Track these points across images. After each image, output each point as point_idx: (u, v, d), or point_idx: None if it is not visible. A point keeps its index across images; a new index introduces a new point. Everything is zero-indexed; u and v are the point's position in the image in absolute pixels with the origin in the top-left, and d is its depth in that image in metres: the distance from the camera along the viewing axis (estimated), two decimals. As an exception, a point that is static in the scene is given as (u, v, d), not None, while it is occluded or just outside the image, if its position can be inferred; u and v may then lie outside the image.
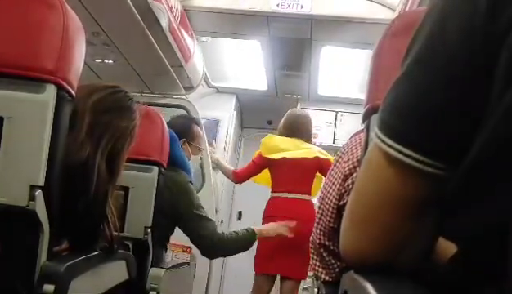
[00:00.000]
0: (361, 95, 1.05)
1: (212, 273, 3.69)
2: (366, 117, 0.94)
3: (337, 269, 1.53)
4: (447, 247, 0.52)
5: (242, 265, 3.82)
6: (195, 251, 2.30)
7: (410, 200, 0.51)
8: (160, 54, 3.11)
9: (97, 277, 1.27)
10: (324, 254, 1.56)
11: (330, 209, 1.54)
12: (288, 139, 3.15)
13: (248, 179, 3.37)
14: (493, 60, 0.42)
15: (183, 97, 3.79)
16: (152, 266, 1.83)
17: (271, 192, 3.15)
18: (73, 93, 1.13)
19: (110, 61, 3.21)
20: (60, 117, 1.08)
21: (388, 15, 3.26)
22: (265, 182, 3.25)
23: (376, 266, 0.54)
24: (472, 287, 0.47)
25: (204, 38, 3.99)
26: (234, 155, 5.07)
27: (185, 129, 2.34)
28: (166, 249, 2.13)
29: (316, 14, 3.38)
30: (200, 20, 3.56)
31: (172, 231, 2.16)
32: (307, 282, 3.74)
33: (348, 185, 1.50)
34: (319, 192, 3.37)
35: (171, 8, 3.00)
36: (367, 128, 0.94)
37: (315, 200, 3.79)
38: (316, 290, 1.61)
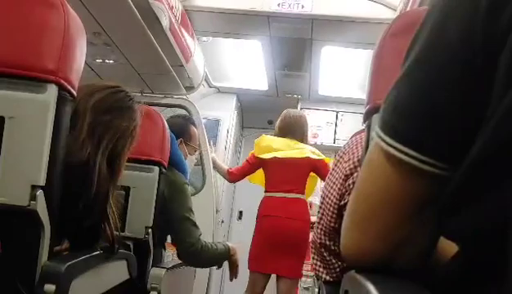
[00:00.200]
0: (362, 94, 1.05)
1: (213, 273, 3.69)
2: (367, 116, 0.94)
3: (338, 269, 1.53)
4: (448, 247, 0.52)
5: (243, 265, 3.82)
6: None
7: (411, 199, 0.51)
8: (161, 54, 3.11)
9: (98, 277, 1.27)
10: (325, 254, 1.56)
11: (331, 209, 1.54)
12: (281, 139, 3.18)
13: (242, 178, 3.41)
14: (494, 60, 0.42)
15: (184, 97, 3.79)
16: (152, 266, 1.84)
17: (265, 191, 3.19)
18: (74, 93, 1.13)
19: (111, 61, 3.22)
20: (61, 116, 1.09)
21: (388, 14, 3.26)
22: (260, 182, 3.29)
23: (377, 266, 0.54)
24: (472, 286, 0.47)
25: (204, 38, 3.99)
26: (235, 155, 5.08)
27: (182, 129, 2.34)
28: (165, 248, 2.13)
29: (316, 14, 3.38)
30: (201, 19, 3.56)
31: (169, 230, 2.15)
32: (308, 282, 3.75)
33: (348, 185, 1.50)
34: (313, 192, 3.41)
35: (171, 8, 3.00)
36: (368, 128, 0.94)
37: (314, 200, 3.81)
38: (316, 290, 1.61)
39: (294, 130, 3.19)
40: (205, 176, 3.55)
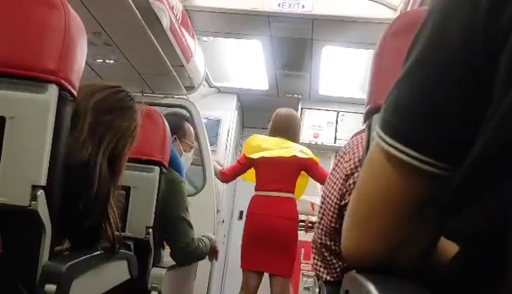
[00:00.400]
0: (363, 94, 1.05)
1: (213, 272, 3.69)
2: (368, 116, 0.94)
3: (338, 269, 1.53)
4: (449, 247, 0.52)
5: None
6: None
7: (411, 199, 0.52)
8: (161, 54, 3.11)
9: (99, 277, 1.27)
10: (325, 254, 1.56)
11: (332, 209, 1.54)
12: (271, 138, 3.22)
13: (234, 178, 3.46)
14: (494, 60, 0.42)
15: (184, 97, 3.80)
16: (153, 266, 1.84)
17: (255, 190, 3.21)
18: (74, 93, 1.13)
19: (112, 61, 3.22)
20: (62, 117, 1.09)
21: (389, 14, 3.25)
22: (253, 179, 3.31)
23: (377, 266, 0.54)
24: (472, 286, 0.47)
25: (205, 38, 3.99)
26: (235, 155, 5.07)
27: (175, 126, 2.32)
28: (163, 247, 2.13)
29: (317, 14, 3.38)
30: (201, 19, 3.56)
31: None
32: (309, 281, 3.75)
33: (349, 185, 1.50)
34: (304, 192, 3.41)
35: (172, 8, 3.00)
36: (369, 128, 0.94)
37: (315, 200, 3.81)
38: (317, 290, 1.61)
39: (285, 129, 3.21)
40: (206, 176, 3.55)
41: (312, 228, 3.81)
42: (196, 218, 2.19)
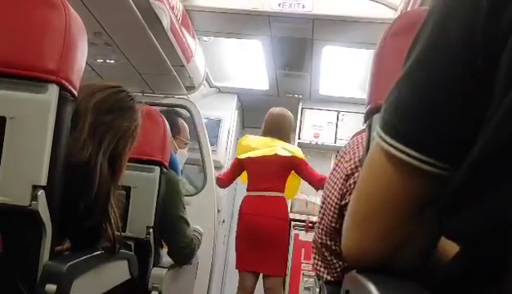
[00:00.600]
0: (363, 94, 1.05)
1: (214, 272, 3.69)
2: (368, 116, 0.94)
3: (339, 269, 1.53)
4: (449, 247, 0.52)
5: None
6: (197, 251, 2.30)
7: (411, 199, 0.52)
8: (162, 54, 3.11)
9: (99, 276, 1.27)
10: (326, 254, 1.56)
11: (332, 209, 1.54)
12: (261, 138, 3.25)
13: (231, 182, 3.46)
14: (494, 60, 0.42)
15: (185, 97, 3.79)
16: (153, 266, 1.84)
17: (246, 191, 3.25)
18: (75, 93, 1.13)
19: (112, 61, 3.22)
20: (63, 117, 1.09)
21: (389, 14, 3.25)
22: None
23: (378, 266, 0.54)
24: (473, 286, 0.47)
25: (205, 38, 3.99)
26: (235, 155, 5.07)
27: (170, 123, 2.32)
28: (162, 246, 2.13)
29: (317, 13, 3.38)
30: (202, 19, 3.56)
31: None
32: (309, 281, 3.75)
33: (349, 185, 1.50)
34: (296, 192, 3.42)
35: (172, 8, 3.00)
36: (369, 128, 0.94)
37: (316, 200, 3.80)
38: (318, 290, 1.61)
39: (276, 129, 3.24)
40: (206, 176, 3.55)
41: (312, 228, 3.81)
42: (196, 218, 2.19)
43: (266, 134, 3.25)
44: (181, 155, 2.40)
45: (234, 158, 3.41)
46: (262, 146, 3.18)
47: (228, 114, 4.84)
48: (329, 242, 1.55)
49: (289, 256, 4.03)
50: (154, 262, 1.86)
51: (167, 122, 1.92)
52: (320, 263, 1.59)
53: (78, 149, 1.18)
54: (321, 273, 1.57)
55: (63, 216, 1.10)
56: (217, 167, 4.32)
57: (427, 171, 0.49)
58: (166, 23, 2.88)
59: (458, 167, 0.46)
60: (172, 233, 2.01)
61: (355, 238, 0.56)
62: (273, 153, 3.11)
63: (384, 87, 0.57)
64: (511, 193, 0.41)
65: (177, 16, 3.12)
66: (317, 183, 3.11)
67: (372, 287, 0.49)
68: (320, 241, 1.58)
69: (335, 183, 1.57)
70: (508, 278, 0.40)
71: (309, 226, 3.95)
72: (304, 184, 3.34)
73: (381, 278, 0.52)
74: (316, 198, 4.08)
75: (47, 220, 1.04)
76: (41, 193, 1.02)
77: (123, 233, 1.46)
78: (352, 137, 1.64)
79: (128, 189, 1.72)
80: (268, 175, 3.14)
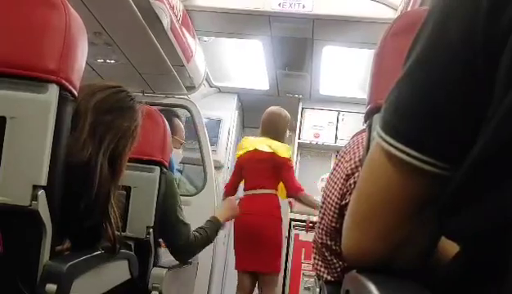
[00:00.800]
0: (363, 94, 1.05)
1: (214, 272, 3.69)
2: (368, 116, 0.94)
3: (339, 269, 1.53)
4: (449, 247, 0.52)
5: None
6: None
7: (411, 199, 0.52)
8: (162, 53, 3.11)
9: (99, 276, 1.27)
10: (326, 253, 1.56)
11: (332, 208, 1.54)
12: (256, 138, 3.29)
13: (236, 186, 3.41)
14: (494, 60, 0.42)
15: (185, 97, 3.79)
16: (154, 266, 1.84)
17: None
18: (75, 93, 1.13)
19: (112, 61, 3.22)
20: (63, 117, 1.09)
21: (389, 14, 3.25)
22: None
23: (378, 266, 0.54)
24: (473, 286, 0.47)
25: (205, 38, 3.99)
26: (236, 155, 5.07)
27: None
28: (160, 245, 2.13)
29: (317, 13, 3.38)
30: (202, 19, 3.56)
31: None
32: (310, 281, 3.75)
33: (350, 185, 1.50)
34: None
35: (172, 8, 3.00)
36: (369, 128, 0.94)
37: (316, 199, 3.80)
38: (318, 289, 1.61)
39: (269, 128, 3.27)
40: (206, 176, 3.55)
41: (312, 228, 3.81)
42: (196, 218, 2.19)
43: (263, 134, 3.28)
44: (177, 155, 2.40)
45: (235, 160, 3.44)
46: (250, 146, 3.23)
47: (228, 114, 4.84)
48: (329, 242, 1.55)
49: (290, 256, 4.03)
50: (154, 262, 1.86)
51: (167, 122, 1.92)
52: (320, 263, 1.59)
53: (78, 148, 1.18)
54: (321, 273, 1.57)
55: (63, 216, 1.10)
56: (217, 167, 4.32)
57: (427, 171, 0.49)
58: (166, 23, 2.88)
59: (458, 166, 0.46)
60: (170, 236, 2.01)
61: (355, 237, 0.56)
62: (253, 148, 3.18)
63: (384, 87, 0.57)
64: (511, 193, 0.41)
65: (177, 16, 3.12)
66: (293, 191, 3.13)
67: (372, 287, 0.49)
68: (320, 241, 1.58)
69: (335, 183, 1.57)
70: (508, 278, 0.40)
71: (309, 226, 3.95)
72: (304, 185, 3.34)
73: (381, 278, 0.52)
74: (316, 198, 4.08)
75: (47, 220, 1.04)
76: (41, 193, 1.02)
77: (123, 233, 1.46)
78: (353, 137, 1.64)
79: (128, 189, 1.72)
80: (258, 173, 3.19)
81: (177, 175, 3.05)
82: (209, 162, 3.55)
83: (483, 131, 0.44)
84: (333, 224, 1.54)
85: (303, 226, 4.04)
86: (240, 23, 3.58)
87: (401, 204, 0.52)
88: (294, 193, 3.16)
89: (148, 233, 1.77)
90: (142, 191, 1.78)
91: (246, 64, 4.66)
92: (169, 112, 2.57)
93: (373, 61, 0.98)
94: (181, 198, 2.07)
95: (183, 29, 3.29)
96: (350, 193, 1.48)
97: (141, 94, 3.53)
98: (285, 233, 3.93)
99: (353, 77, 4.51)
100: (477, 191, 0.45)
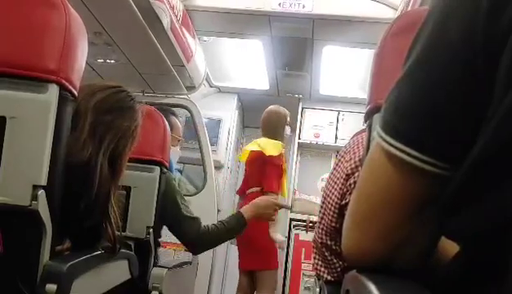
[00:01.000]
0: (363, 94, 1.05)
1: (214, 272, 3.69)
2: (368, 116, 0.94)
3: (339, 269, 1.53)
4: (449, 247, 0.52)
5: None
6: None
7: (411, 199, 0.52)
8: (162, 53, 3.11)
9: (99, 276, 1.27)
10: (326, 253, 1.55)
11: (332, 208, 1.54)
12: (257, 139, 3.32)
13: (245, 191, 3.41)
14: (494, 60, 0.42)
15: (185, 97, 3.79)
16: (154, 266, 1.84)
17: None
18: (75, 93, 1.13)
19: (112, 61, 3.22)
20: (63, 116, 1.09)
21: (389, 14, 3.25)
22: None
23: (378, 265, 0.54)
24: (473, 286, 0.47)
25: (205, 38, 3.99)
26: (236, 154, 5.07)
27: None
28: (159, 245, 2.12)
29: (317, 13, 3.38)
30: (202, 19, 3.56)
31: (162, 227, 2.13)
32: (310, 281, 3.75)
33: (349, 185, 1.50)
34: (284, 192, 3.43)
35: (172, 8, 3.00)
36: (369, 127, 0.94)
37: (316, 199, 3.80)
38: (318, 289, 1.61)
39: (267, 127, 3.31)
40: (206, 176, 3.55)
41: (312, 228, 3.81)
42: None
43: (262, 133, 3.33)
44: (175, 153, 2.40)
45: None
46: (249, 147, 3.30)
47: (228, 114, 4.84)
48: (329, 242, 1.55)
49: (290, 256, 4.03)
50: (154, 262, 1.86)
51: (167, 122, 1.92)
52: (320, 263, 1.59)
53: (78, 148, 1.18)
54: (322, 273, 1.57)
55: (63, 216, 1.10)
56: (217, 167, 4.32)
57: (427, 170, 0.49)
58: (166, 22, 2.88)
59: (458, 166, 0.46)
60: (176, 231, 2.02)
61: (355, 237, 0.56)
62: (249, 150, 3.26)
63: (384, 87, 0.57)
64: (511, 193, 0.41)
65: (177, 16, 3.12)
66: (265, 186, 3.10)
67: (372, 287, 0.49)
68: (320, 241, 1.58)
69: (335, 183, 1.57)
70: (508, 278, 0.40)
71: (309, 226, 3.96)
72: (304, 185, 3.35)
73: (381, 278, 0.52)
74: (316, 197, 4.08)
75: (47, 220, 1.04)
76: (41, 193, 1.02)
77: (123, 233, 1.46)
78: (353, 137, 1.64)
79: (128, 189, 1.72)
80: (251, 173, 3.27)
81: (176, 175, 3.05)
82: (209, 162, 3.55)
83: (483, 131, 0.44)
84: (333, 224, 1.54)
85: (303, 226, 4.04)
86: (240, 23, 3.58)
87: (401, 204, 0.52)
88: (266, 189, 3.13)
89: (148, 233, 1.77)
90: (142, 191, 1.78)
91: (246, 64, 4.65)
92: (166, 110, 2.57)
93: (373, 61, 0.98)
94: (182, 197, 2.07)
95: (183, 29, 3.29)
96: (350, 193, 1.48)
97: (141, 94, 3.54)
98: (284, 233, 3.94)
99: (353, 77, 4.51)
100: (477, 191, 0.45)
